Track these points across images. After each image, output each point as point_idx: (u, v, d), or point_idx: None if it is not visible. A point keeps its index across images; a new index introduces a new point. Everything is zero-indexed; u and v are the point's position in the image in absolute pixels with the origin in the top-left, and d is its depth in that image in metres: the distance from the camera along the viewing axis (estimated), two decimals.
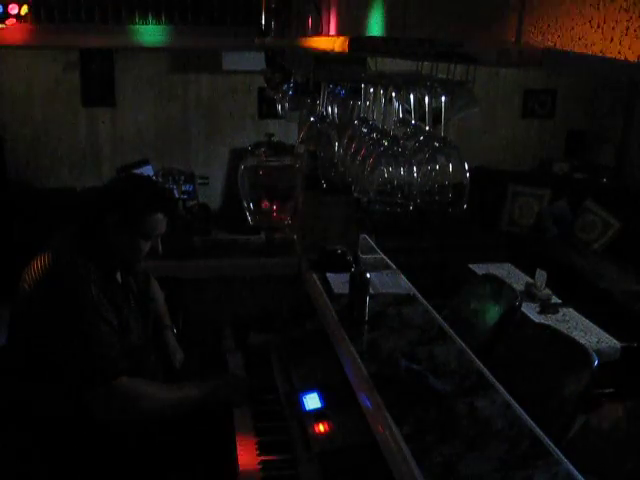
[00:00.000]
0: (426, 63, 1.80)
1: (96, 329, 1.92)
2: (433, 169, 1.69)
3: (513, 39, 0.97)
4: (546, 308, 3.84)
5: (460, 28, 1.21)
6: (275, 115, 3.44)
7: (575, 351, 2.16)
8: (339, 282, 2.49)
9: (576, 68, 1.15)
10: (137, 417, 2.00)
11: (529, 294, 3.96)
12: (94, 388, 1.90)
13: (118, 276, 2.17)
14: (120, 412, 1.96)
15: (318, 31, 2.39)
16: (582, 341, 2.77)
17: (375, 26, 1.72)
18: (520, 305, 2.59)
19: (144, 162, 5.05)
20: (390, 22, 1.61)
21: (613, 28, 0.74)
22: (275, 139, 3.07)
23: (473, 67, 1.64)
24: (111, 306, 2.01)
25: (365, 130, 1.92)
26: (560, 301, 3.98)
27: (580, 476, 1.45)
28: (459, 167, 1.68)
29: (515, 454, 1.51)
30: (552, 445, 1.55)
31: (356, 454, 1.79)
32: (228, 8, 4.86)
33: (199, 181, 5.37)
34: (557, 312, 3.82)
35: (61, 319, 1.91)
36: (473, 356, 2.02)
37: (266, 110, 5.58)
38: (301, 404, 2.05)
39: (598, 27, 0.77)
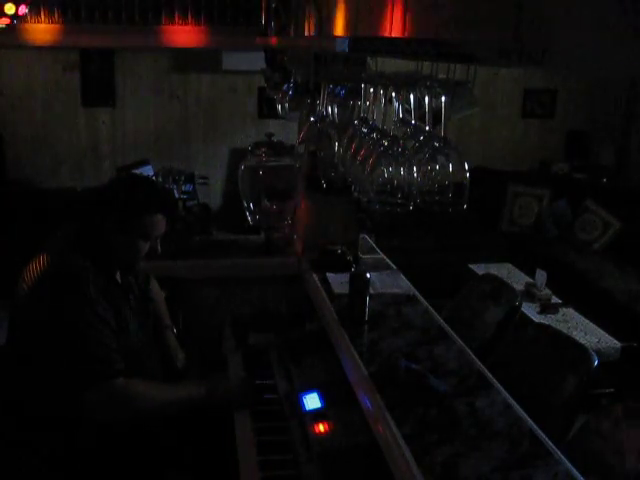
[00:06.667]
0: (426, 63, 1.79)
1: (93, 329, 1.92)
2: (433, 169, 1.69)
3: None
4: (546, 308, 3.84)
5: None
6: (275, 115, 3.44)
7: (575, 351, 2.16)
8: (339, 282, 2.49)
9: (576, 68, 1.15)
10: (134, 417, 2.00)
11: (529, 294, 3.96)
12: (91, 388, 1.90)
13: (117, 276, 2.17)
14: (117, 412, 1.96)
15: (318, 31, 2.39)
16: (582, 341, 2.77)
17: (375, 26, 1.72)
18: (520, 305, 2.59)
19: (144, 162, 5.06)
20: (390, 22, 1.61)
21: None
22: (275, 139, 3.06)
23: (473, 67, 1.63)
24: (110, 306, 2.00)
25: (365, 130, 1.92)
26: (560, 301, 3.98)
27: (580, 476, 1.45)
28: (459, 167, 1.68)
29: (515, 454, 1.51)
30: (552, 445, 1.55)
31: (356, 454, 1.79)
32: (228, 8, 4.87)
33: (199, 181, 5.37)
34: (557, 312, 3.83)
35: (59, 319, 1.91)
36: (473, 356, 2.02)
37: (266, 110, 5.59)
38: (301, 404, 2.05)
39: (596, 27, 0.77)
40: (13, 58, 5.29)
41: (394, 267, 2.78)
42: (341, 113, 2.16)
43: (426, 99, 1.72)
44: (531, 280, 4.12)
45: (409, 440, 1.54)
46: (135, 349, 2.10)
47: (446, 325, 2.24)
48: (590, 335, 3.56)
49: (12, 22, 4.18)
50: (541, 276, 4.02)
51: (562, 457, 1.50)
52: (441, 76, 1.78)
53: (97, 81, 5.44)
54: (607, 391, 3.34)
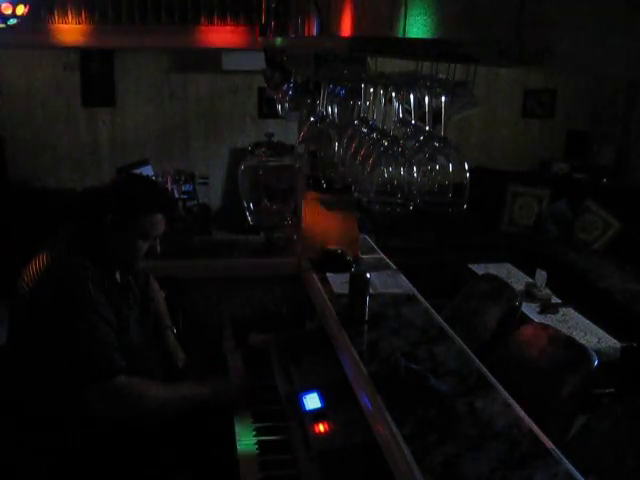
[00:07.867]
0: (426, 63, 1.79)
1: (94, 327, 1.92)
2: (433, 169, 1.69)
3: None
4: (546, 308, 3.84)
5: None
6: (275, 115, 3.45)
7: (575, 351, 2.16)
8: (339, 282, 2.49)
9: (576, 68, 1.15)
10: (136, 416, 2.00)
11: (529, 294, 3.97)
12: (93, 386, 1.90)
13: (117, 276, 2.17)
14: (119, 411, 1.96)
15: (318, 31, 2.39)
16: (582, 341, 2.77)
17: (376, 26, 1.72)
18: (520, 305, 2.60)
19: (144, 162, 5.05)
20: (390, 22, 1.61)
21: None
22: (275, 139, 3.06)
23: (473, 67, 1.63)
24: (110, 305, 2.01)
25: (365, 130, 1.92)
26: (560, 301, 3.98)
27: (580, 476, 1.45)
28: (459, 167, 1.68)
29: (515, 454, 1.51)
30: (552, 445, 1.55)
31: (356, 454, 1.79)
32: (228, 8, 4.86)
33: (199, 181, 5.37)
34: (557, 312, 3.83)
35: (59, 318, 1.91)
36: (473, 356, 2.02)
37: (266, 110, 5.59)
38: (301, 404, 2.05)
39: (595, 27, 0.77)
40: (13, 58, 5.29)
41: (394, 267, 2.78)
42: (341, 113, 2.15)
43: (426, 99, 1.71)
44: (531, 280, 4.12)
45: (409, 440, 1.54)
46: (135, 349, 2.10)
47: (446, 325, 2.24)
48: (590, 335, 3.56)
49: (10, 22, 4.16)
50: (541, 276, 4.02)
51: (562, 457, 1.50)
52: (441, 76, 1.78)
53: (97, 81, 5.45)
54: (607, 391, 3.34)
